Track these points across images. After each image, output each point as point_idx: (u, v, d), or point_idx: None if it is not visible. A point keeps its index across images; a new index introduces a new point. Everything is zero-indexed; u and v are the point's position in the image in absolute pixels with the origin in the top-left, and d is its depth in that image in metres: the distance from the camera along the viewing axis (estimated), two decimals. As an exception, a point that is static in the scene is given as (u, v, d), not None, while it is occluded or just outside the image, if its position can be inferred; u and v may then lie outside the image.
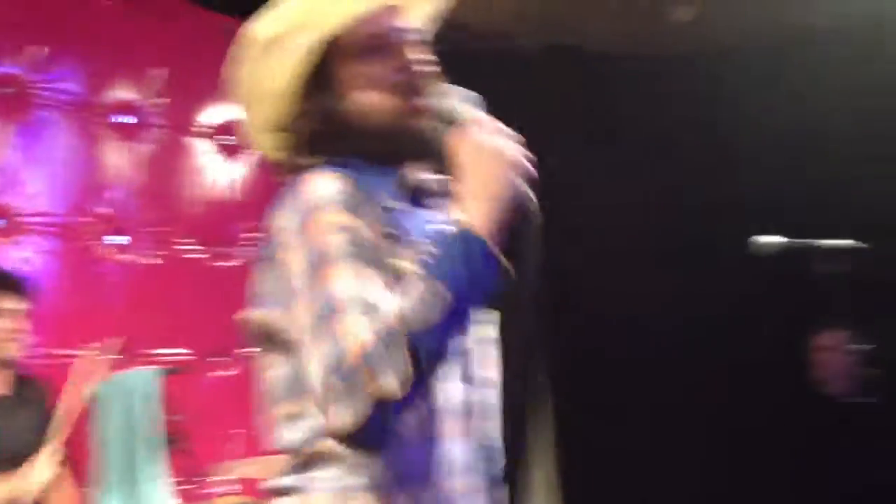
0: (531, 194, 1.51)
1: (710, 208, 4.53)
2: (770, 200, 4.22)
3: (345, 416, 1.34)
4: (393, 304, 1.38)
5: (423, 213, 1.60)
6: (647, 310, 4.52)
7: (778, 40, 4.57)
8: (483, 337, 1.63)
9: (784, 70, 4.47)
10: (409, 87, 1.58)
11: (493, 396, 1.64)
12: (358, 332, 1.35)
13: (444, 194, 1.63)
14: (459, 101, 1.57)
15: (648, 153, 4.64)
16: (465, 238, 1.43)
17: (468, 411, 1.57)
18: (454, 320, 1.40)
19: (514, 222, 1.49)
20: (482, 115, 1.53)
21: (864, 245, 2.97)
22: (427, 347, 1.37)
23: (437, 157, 1.59)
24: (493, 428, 1.62)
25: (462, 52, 4.05)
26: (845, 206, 4.10)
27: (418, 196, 1.62)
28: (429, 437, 1.50)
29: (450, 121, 1.54)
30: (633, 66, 4.80)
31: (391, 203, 1.53)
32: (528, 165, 1.51)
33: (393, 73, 1.58)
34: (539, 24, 4.72)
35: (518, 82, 4.37)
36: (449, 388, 1.51)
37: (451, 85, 1.59)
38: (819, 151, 4.44)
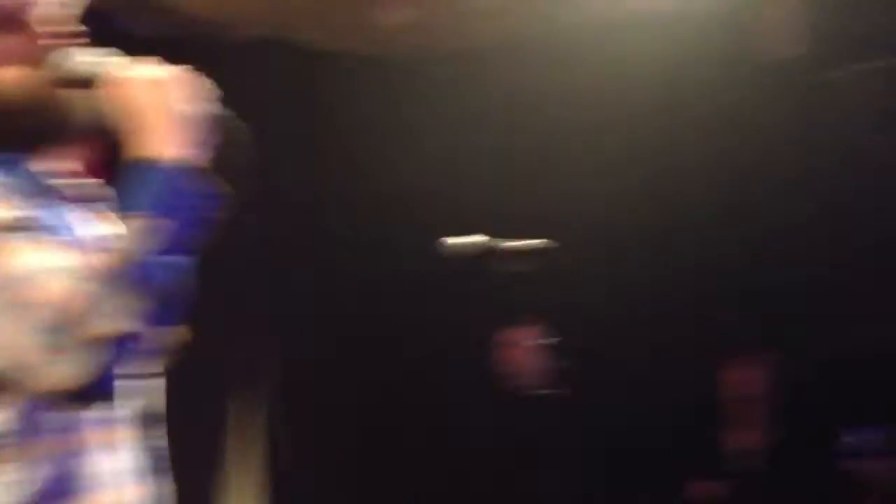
0: (214, 108, 1.52)
1: (406, 208, 4.61)
2: (463, 201, 4.35)
3: (73, 369, 1.30)
4: (87, 256, 1.35)
5: (62, 210, 1.53)
6: (340, 308, 4.55)
7: (490, 46, 4.71)
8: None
9: (492, 75, 4.62)
10: (40, 60, 1.51)
11: (157, 404, 1.60)
12: (59, 287, 1.31)
13: (81, 196, 1.57)
14: (97, 59, 1.52)
15: (352, 152, 4.68)
16: (163, 168, 1.43)
17: (120, 421, 1.52)
18: (175, 247, 1.40)
19: (208, 138, 1.49)
20: (127, 61, 1.51)
21: (552, 244, 3.11)
22: (150, 279, 1.35)
23: (73, 131, 1.54)
24: (157, 436, 1.58)
25: (171, 39, 3.94)
26: (535, 205, 4.30)
27: (53, 193, 1.55)
28: (76, 450, 1.44)
29: (91, 81, 1.50)
30: (344, 65, 4.83)
31: (26, 198, 1.46)
32: (196, 83, 1.51)
33: (23, 46, 1.51)
34: (253, 15, 4.66)
35: (227, 74, 4.28)
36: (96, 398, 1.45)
37: (85, 47, 1.54)
38: (509, 155, 4.62)
